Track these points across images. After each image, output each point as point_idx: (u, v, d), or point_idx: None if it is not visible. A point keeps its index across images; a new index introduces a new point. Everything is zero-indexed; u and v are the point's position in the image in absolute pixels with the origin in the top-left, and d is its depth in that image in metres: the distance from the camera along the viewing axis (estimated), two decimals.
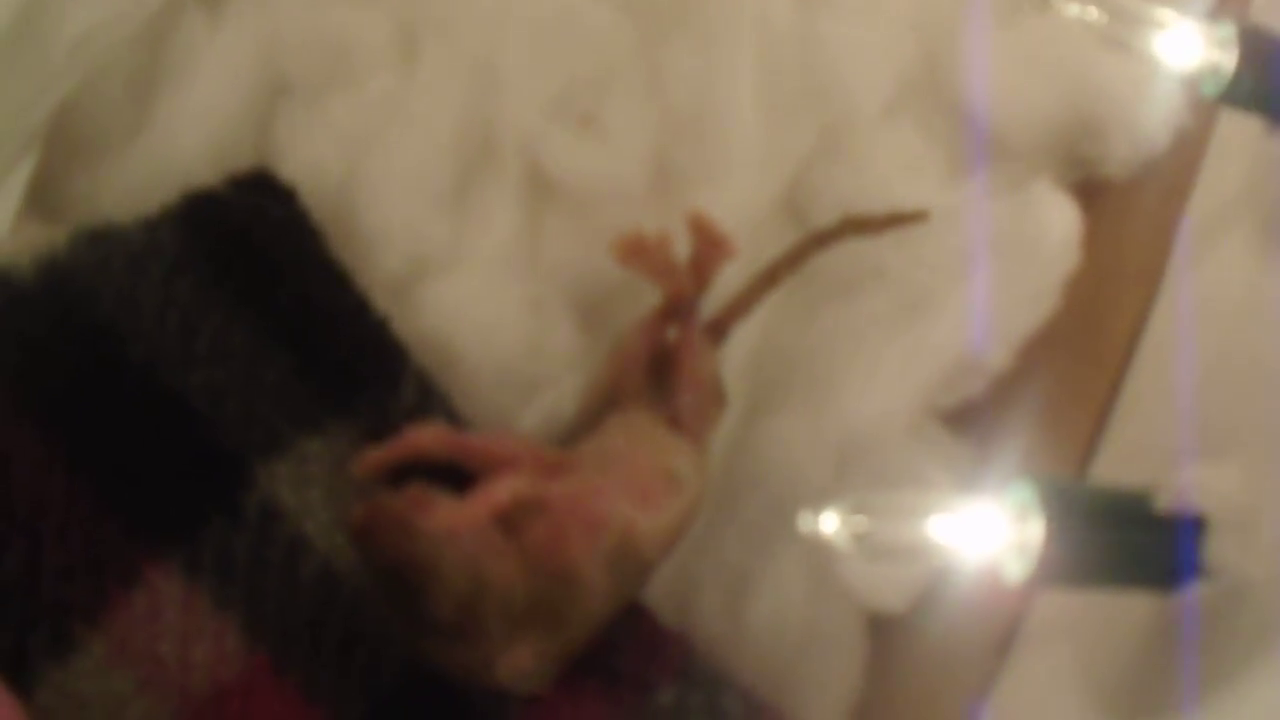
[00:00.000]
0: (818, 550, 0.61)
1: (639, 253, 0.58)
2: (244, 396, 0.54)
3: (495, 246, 0.60)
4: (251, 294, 0.55)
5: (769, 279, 0.63)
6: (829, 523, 0.45)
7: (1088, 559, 0.46)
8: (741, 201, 0.64)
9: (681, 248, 0.59)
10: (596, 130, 0.61)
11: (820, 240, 0.64)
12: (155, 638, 0.53)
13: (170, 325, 0.54)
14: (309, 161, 0.61)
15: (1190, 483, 0.46)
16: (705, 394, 0.60)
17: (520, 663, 0.51)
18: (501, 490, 0.52)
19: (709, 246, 0.60)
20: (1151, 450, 0.57)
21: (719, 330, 0.63)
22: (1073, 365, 0.62)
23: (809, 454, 0.63)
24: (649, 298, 0.60)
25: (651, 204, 0.62)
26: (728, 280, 0.62)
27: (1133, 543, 0.46)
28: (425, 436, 0.55)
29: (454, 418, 0.57)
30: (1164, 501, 0.46)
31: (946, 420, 0.64)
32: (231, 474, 0.54)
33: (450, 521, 0.49)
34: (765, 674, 0.61)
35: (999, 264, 0.63)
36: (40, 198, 0.60)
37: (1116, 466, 0.60)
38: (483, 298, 0.59)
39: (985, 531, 0.45)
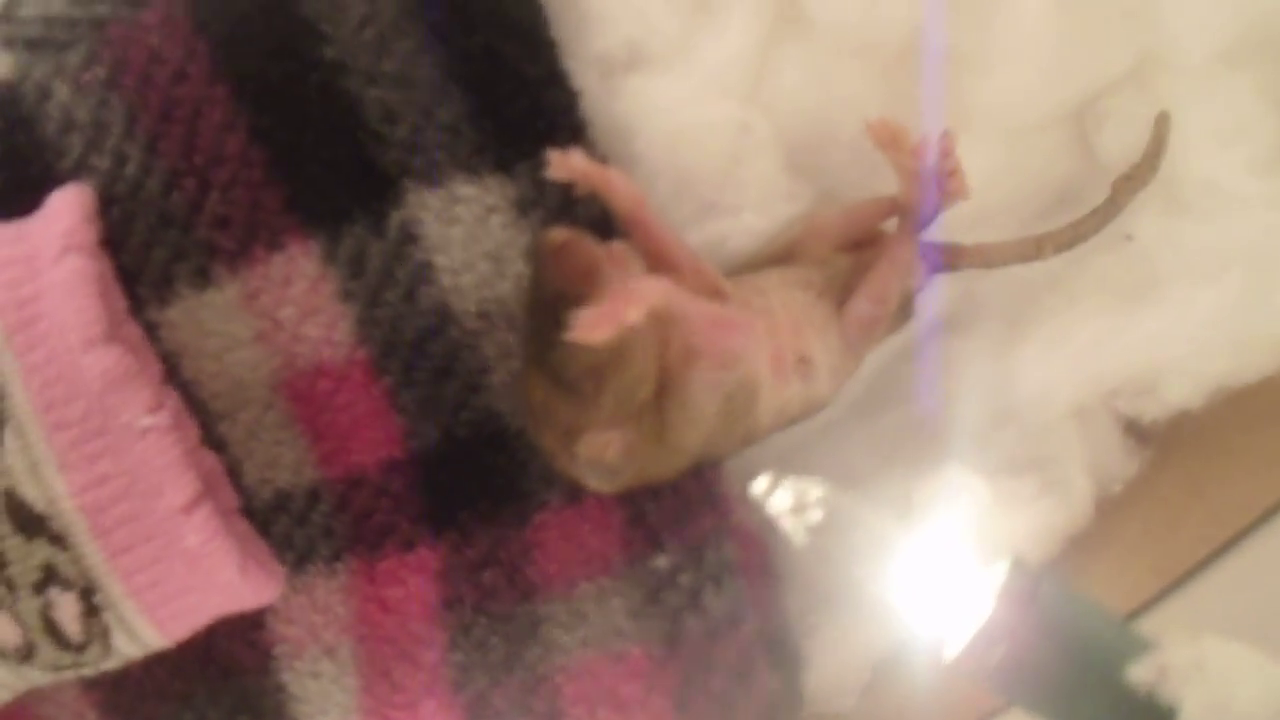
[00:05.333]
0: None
1: (894, 144, 0.54)
2: (414, 125, 0.55)
3: (721, 58, 0.56)
4: (446, 32, 0.54)
5: (1033, 250, 0.57)
6: (780, 500, 0.43)
7: (1025, 681, 0.41)
8: (1014, 103, 0.57)
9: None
10: None
11: (1101, 219, 0.57)
12: (280, 301, 0.58)
13: (366, 38, 0.55)
14: None
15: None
16: (883, 314, 0.56)
17: (605, 446, 0.51)
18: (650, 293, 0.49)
19: (943, 175, 0.54)
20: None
21: (949, 261, 0.57)
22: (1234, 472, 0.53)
23: (970, 388, 0.59)
24: (867, 158, 0.55)
25: (903, 71, 0.56)
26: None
27: (1085, 692, 0.41)
28: (626, 187, 0.52)
29: None
30: (1146, 674, 0.40)
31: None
32: (384, 188, 0.56)
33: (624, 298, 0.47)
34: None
35: (1259, 285, 0.54)
36: None
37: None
38: (688, 106, 0.56)
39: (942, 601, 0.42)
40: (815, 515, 0.42)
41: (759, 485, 0.43)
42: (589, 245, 0.50)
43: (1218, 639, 0.41)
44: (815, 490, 0.43)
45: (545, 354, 0.50)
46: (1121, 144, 0.57)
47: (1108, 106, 0.57)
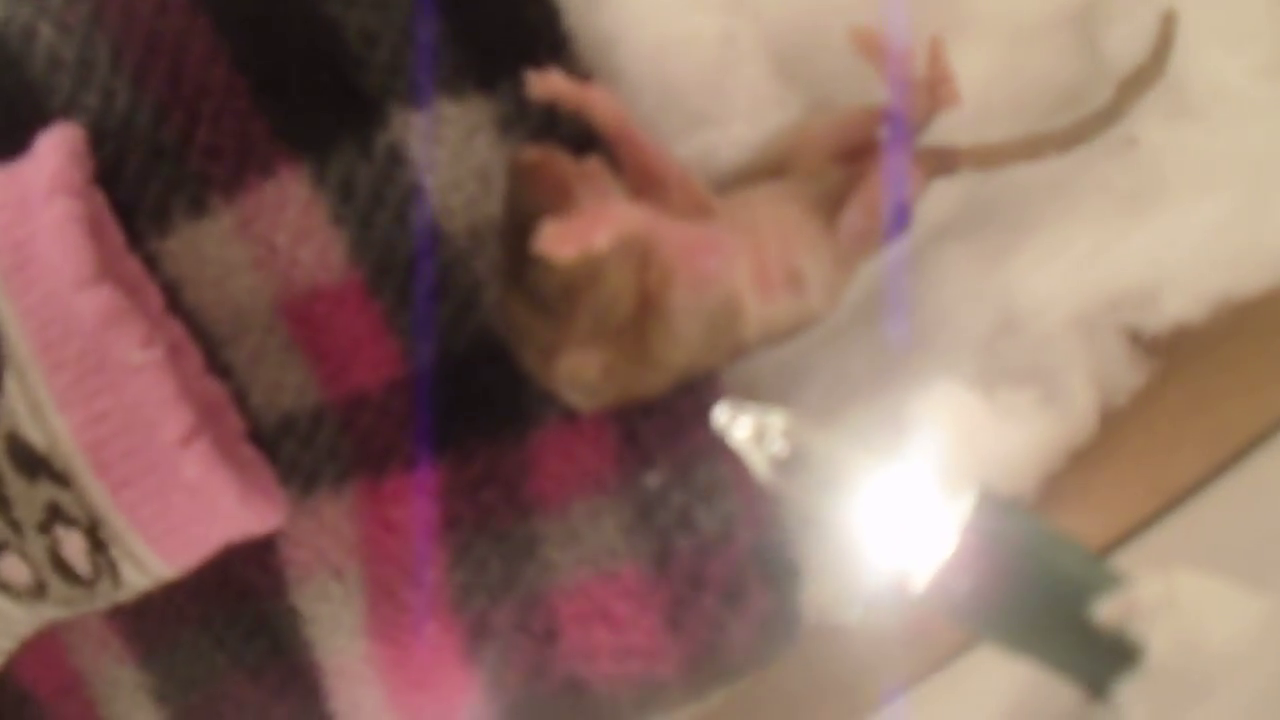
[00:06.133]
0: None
1: (876, 52, 0.52)
2: (395, 47, 0.54)
3: None
4: None
5: (1032, 150, 0.55)
6: (741, 429, 0.42)
7: (992, 614, 0.41)
8: (1016, 3, 0.54)
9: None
10: None
11: (1103, 122, 0.55)
12: (275, 227, 0.58)
13: None
14: None
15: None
16: (875, 225, 0.54)
17: (583, 365, 0.51)
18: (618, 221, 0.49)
19: (934, 83, 0.53)
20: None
21: (947, 165, 0.55)
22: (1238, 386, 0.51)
23: (968, 297, 0.57)
24: (858, 63, 0.53)
25: None
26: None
27: (1052, 628, 0.41)
28: (606, 103, 0.52)
29: None
30: (1113, 610, 0.40)
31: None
32: (369, 111, 0.56)
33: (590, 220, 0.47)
34: None
35: (1262, 195, 0.51)
36: None
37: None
38: (671, 16, 0.54)
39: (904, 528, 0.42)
40: (777, 445, 0.42)
41: (720, 415, 0.43)
42: (562, 164, 0.50)
43: (1192, 574, 0.41)
44: (777, 420, 0.42)
45: (521, 274, 0.50)
46: (1129, 45, 0.55)
47: (1114, 6, 0.54)
